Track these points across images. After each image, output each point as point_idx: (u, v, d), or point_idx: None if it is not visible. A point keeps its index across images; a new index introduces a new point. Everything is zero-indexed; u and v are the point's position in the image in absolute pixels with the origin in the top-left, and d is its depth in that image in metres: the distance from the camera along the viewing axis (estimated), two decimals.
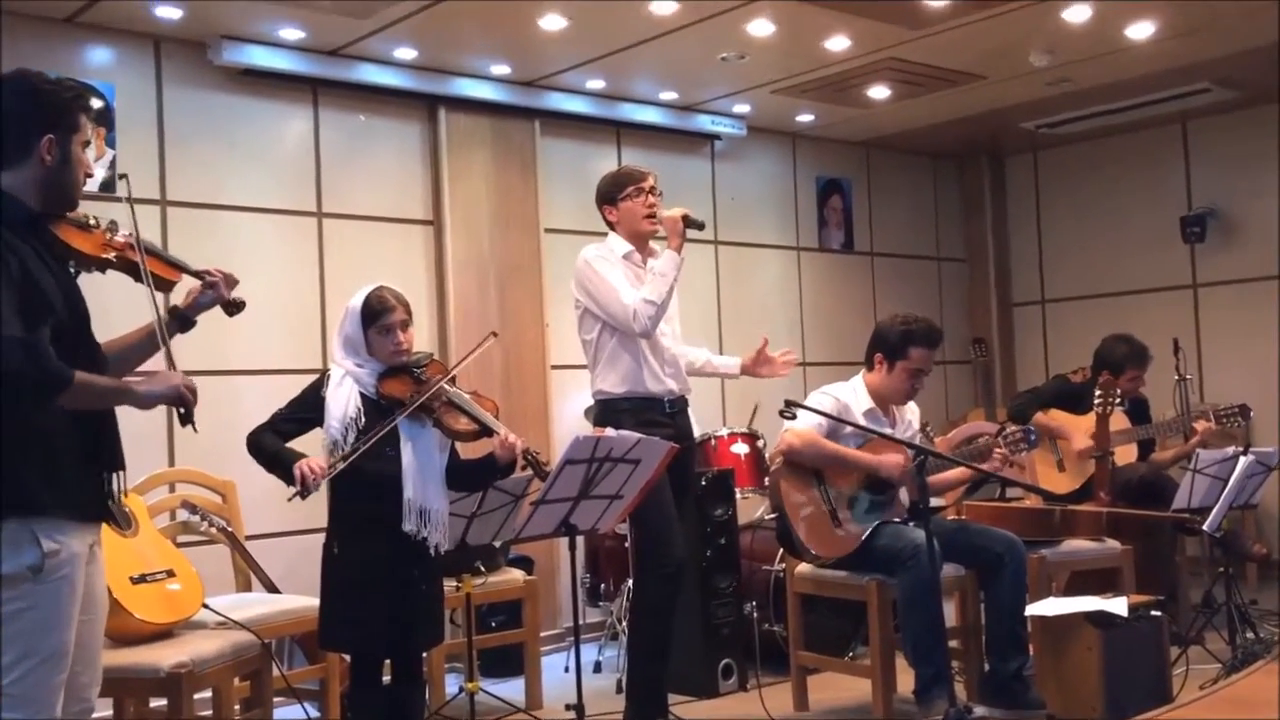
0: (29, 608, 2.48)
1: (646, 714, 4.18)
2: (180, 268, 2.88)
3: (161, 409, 2.87)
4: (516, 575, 4.92)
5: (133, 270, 2.73)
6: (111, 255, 2.73)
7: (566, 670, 5.37)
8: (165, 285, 2.83)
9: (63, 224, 2.68)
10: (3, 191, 2.56)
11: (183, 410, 2.62)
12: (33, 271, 2.50)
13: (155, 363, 2.77)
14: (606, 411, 4.25)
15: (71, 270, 2.69)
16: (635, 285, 4.18)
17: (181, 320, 2.89)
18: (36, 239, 2.59)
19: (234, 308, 2.96)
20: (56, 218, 2.67)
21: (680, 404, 4.35)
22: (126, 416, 2.65)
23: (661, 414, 4.24)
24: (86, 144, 2.68)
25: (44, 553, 2.48)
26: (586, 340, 4.29)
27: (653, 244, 4.34)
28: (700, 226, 4.23)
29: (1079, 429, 5.41)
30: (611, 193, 4.33)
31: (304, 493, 3.30)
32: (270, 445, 3.43)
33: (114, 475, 2.68)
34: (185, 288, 2.91)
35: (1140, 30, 5.68)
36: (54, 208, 2.65)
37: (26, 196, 2.60)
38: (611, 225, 4.34)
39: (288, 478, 3.34)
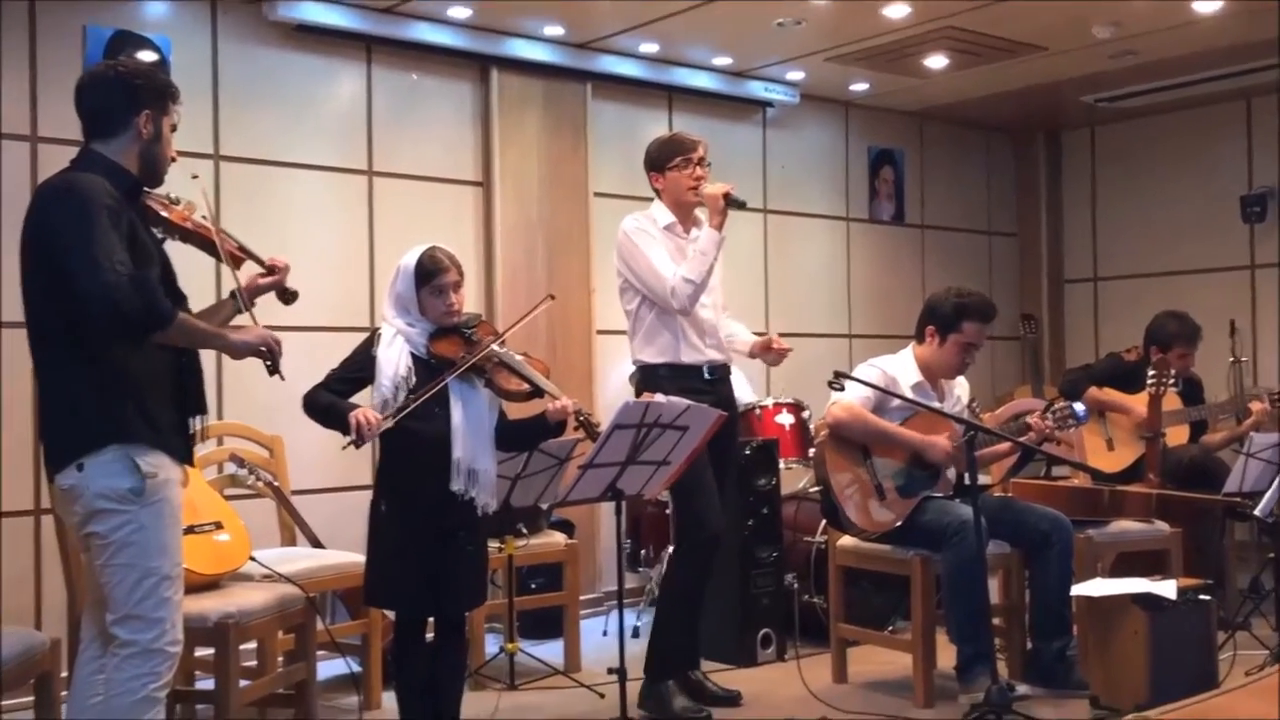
0: (138, 528, 2.72)
1: (668, 676, 4.17)
2: (248, 253, 3.19)
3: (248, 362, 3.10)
4: (558, 538, 4.93)
5: (208, 246, 3.09)
6: (190, 226, 3.07)
7: (605, 634, 5.40)
8: (236, 262, 3.16)
9: (150, 197, 3.00)
10: (112, 160, 2.85)
11: (269, 361, 2.89)
12: (139, 230, 2.79)
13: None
14: (646, 377, 4.25)
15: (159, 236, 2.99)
16: (676, 257, 4.15)
17: (241, 300, 3.18)
18: (135, 207, 2.87)
19: (290, 296, 3.27)
20: (145, 192, 2.97)
21: (721, 372, 4.31)
22: None
23: (701, 381, 4.21)
24: (174, 127, 2.97)
25: (144, 475, 2.71)
26: (627, 310, 4.29)
27: (697, 213, 4.27)
28: (742, 206, 4.15)
29: (1137, 404, 5.33)
30: (660, 160, 4.27)
31: (359, 442, 3.31)
32: (325, 399, 3.45)
33: (197, 419, 2.96)
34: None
35: (1208, 4, 5.54)
36: (145, 182, 2.94)
37: (126, 167, 2.88)
38: (657, 192, 4.30)
39: (344, 427, 3.35)
